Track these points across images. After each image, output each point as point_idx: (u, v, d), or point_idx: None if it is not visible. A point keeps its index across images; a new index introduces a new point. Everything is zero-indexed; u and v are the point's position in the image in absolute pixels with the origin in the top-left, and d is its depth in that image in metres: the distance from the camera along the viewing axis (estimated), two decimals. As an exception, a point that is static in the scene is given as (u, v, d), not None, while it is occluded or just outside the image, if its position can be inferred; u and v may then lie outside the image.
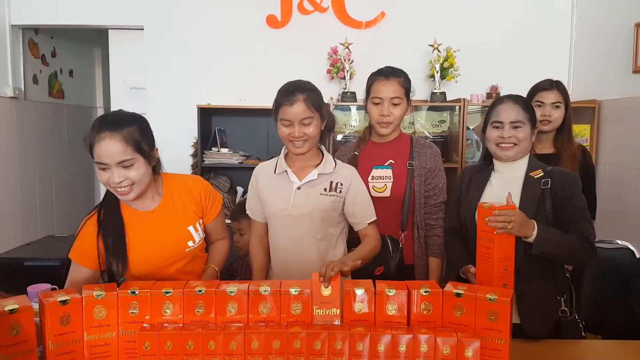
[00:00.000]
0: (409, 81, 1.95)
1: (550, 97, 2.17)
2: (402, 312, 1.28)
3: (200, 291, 1.27)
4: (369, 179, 1.91)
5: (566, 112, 2.19)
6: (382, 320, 1.29)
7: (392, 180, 1.91)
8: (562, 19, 3.57)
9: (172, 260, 1.56)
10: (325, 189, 1.69)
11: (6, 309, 1.12)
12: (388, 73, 1.90)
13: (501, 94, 3.37)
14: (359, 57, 3.41)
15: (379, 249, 1.75)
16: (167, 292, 1.26)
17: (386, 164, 1.94)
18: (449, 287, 1.29)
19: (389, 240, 1.85)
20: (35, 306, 1.65)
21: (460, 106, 3.28)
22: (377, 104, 1.90)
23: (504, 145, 1.67)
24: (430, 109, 3.49)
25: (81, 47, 5.00)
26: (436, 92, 3.36)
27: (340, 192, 1.70)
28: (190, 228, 1.58)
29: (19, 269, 2.00)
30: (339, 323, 1.30)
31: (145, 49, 3.62)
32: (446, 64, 3.35)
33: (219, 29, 3.60)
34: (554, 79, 2.25)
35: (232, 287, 1.28)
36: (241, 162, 3.46)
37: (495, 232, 1.45)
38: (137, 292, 1.26)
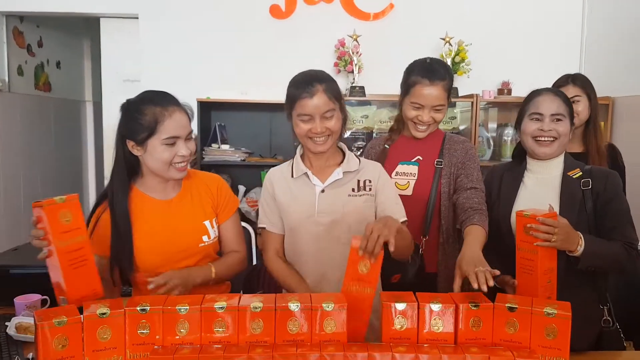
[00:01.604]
0: (453, 79, 1.80)
1: (566, 92, 2.11)
2: (448, 329, 1.18)
3: (221, 308, 1.12)
4: (393, 174, 1.79)
5: (590, 104, 2.14)
6: (426, 338, 1.18)
7: (416, 177, 1.79)
8: (574, 14, 3.55)
9: (185, 254, 1.52)
10: (353, 189, 1.54)
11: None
12: (433, 76, 1.70)
13: (512, 91, 3.39)
14: (367, 50, 3.30)
15: (412, 249, 1.53)
16: (181, 309, 1.12)
17: (413, 160, 1.81)
18: (499, 300, 1.20)
19: None
20: (28, 320, 1.49)
21: (472, 102, 3.20)
22: (417, 108, 1.75)
23: (542, 139, 1.58)
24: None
25: (69, 37, 4.86)
26: (448, 88, 3.25)
27: (371, 189, 1.55)
28: (207, 223, 1.56)
29: (5, 278, 1.78)
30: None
31: (140, 39, 3.50)
32: (457, 59, 3.25)
33: (220, 18, 3.47)
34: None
35: (256, 303, 1.14)
36: (243, 160, 3.36)
37: (535, 244, 1.34)
38: (147, 310, 1.12)
